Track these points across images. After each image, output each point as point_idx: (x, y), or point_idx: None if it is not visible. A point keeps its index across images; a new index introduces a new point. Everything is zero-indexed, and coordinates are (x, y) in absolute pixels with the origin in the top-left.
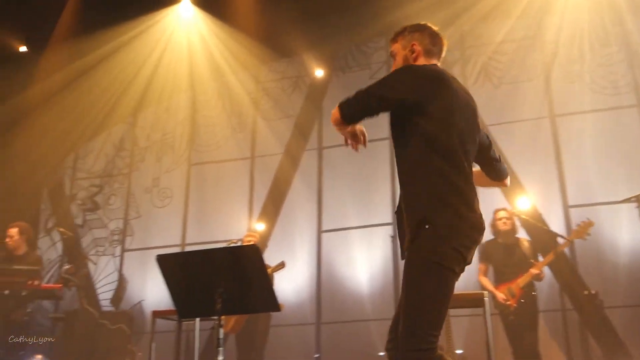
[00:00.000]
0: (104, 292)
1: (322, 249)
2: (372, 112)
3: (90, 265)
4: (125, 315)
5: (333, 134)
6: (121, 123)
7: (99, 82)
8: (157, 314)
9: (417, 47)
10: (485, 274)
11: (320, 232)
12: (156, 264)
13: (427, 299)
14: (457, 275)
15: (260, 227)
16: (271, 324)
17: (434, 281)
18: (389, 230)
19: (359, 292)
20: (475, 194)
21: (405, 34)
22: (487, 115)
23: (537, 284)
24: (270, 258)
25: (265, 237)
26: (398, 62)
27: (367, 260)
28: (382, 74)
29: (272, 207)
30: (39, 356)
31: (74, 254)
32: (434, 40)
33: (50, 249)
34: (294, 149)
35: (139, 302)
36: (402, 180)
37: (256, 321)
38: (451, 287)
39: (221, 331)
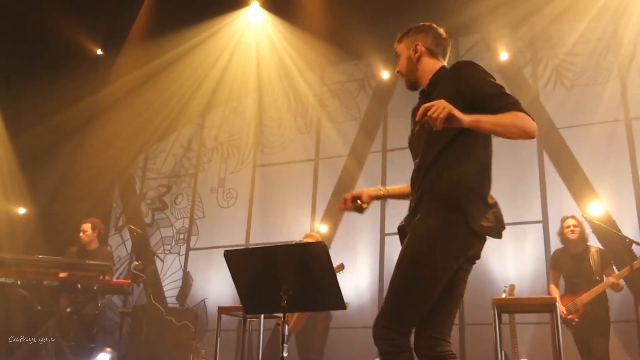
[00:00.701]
0: (170, 289)
1: (385, 252)
2: None
3: (158, 263)
4: (191, 312)
5: (398, 136)
6: (190, 124)
7: (169, 84)
8: (222, 309)
9: (420, 47)
10: (556, 282)
11: (383, 235)
12: (223, 259)
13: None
14: (452, 270)
15: (324, 228)
16: (333, 326)
17: (437, 259)
18: None
19: None
20: None
21: (409, 35)
22: (559, 118)
23: (610, 294)
24: (332, 259)
25: (328, 239)
26: (402, 62)
27: None
28: None
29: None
30: (108, 349)
31: (143, 251)
32: (436, 41)
33: (120, 246)
34: (359, 151)
35: (202, 301)
36: (444, 162)
37: (315, 321)
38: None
39: (286, 327)
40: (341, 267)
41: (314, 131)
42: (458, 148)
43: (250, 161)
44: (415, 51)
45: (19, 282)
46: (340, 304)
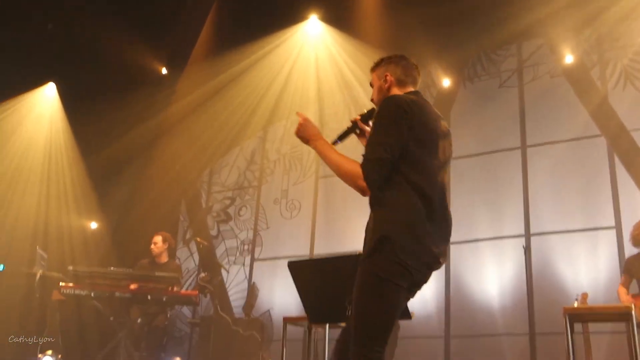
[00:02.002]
0: (235, 299)
1: (451, 260)
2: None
3: (223, 274)
4: (257, 322)
5: (461, 144)
6: (252, 137)
7: (232, 100)
8: (288, 320)
9: (390, 78)
10: (626, 285)
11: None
12: (287, 270)
13: (372, 313)
14: (404, 291)
15: None
16: (399, 336)
17: (379, 295)
18: (521, 242)
19: (490, 305)
20: (444, 233)
21: (381, 65)
22: (631, 120)
23: None
24: None
25: None
26: (374, 92)
27: (498, 273)
28: (513, 82)
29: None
30: (178, 359)
31: (209, 262)
32: (406, 72)
33: (188, 259)
34: None
35: (268, 311)
36: (377, 205)
37: None
38: (396, 301)
39: None
40: None
41: None
42: (398, 180)
43: (312, 173)
44: (385, 81)
45: (92, 294)
46: (405, 313)
